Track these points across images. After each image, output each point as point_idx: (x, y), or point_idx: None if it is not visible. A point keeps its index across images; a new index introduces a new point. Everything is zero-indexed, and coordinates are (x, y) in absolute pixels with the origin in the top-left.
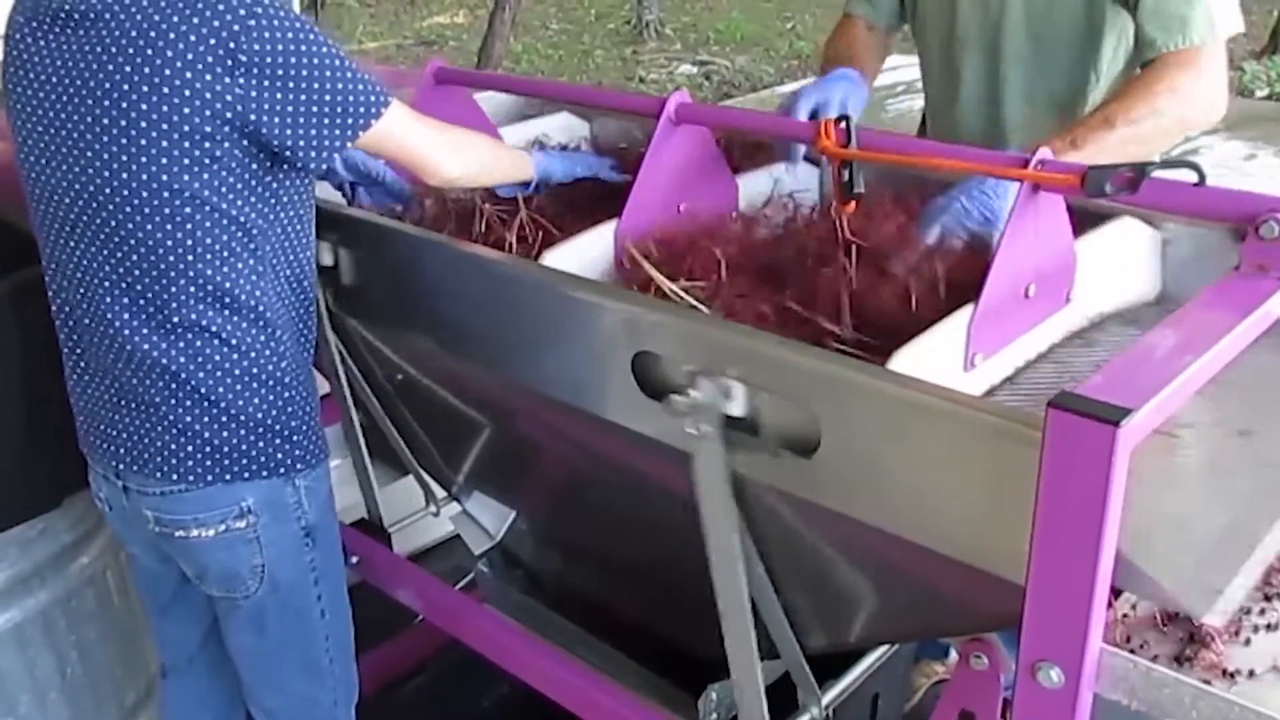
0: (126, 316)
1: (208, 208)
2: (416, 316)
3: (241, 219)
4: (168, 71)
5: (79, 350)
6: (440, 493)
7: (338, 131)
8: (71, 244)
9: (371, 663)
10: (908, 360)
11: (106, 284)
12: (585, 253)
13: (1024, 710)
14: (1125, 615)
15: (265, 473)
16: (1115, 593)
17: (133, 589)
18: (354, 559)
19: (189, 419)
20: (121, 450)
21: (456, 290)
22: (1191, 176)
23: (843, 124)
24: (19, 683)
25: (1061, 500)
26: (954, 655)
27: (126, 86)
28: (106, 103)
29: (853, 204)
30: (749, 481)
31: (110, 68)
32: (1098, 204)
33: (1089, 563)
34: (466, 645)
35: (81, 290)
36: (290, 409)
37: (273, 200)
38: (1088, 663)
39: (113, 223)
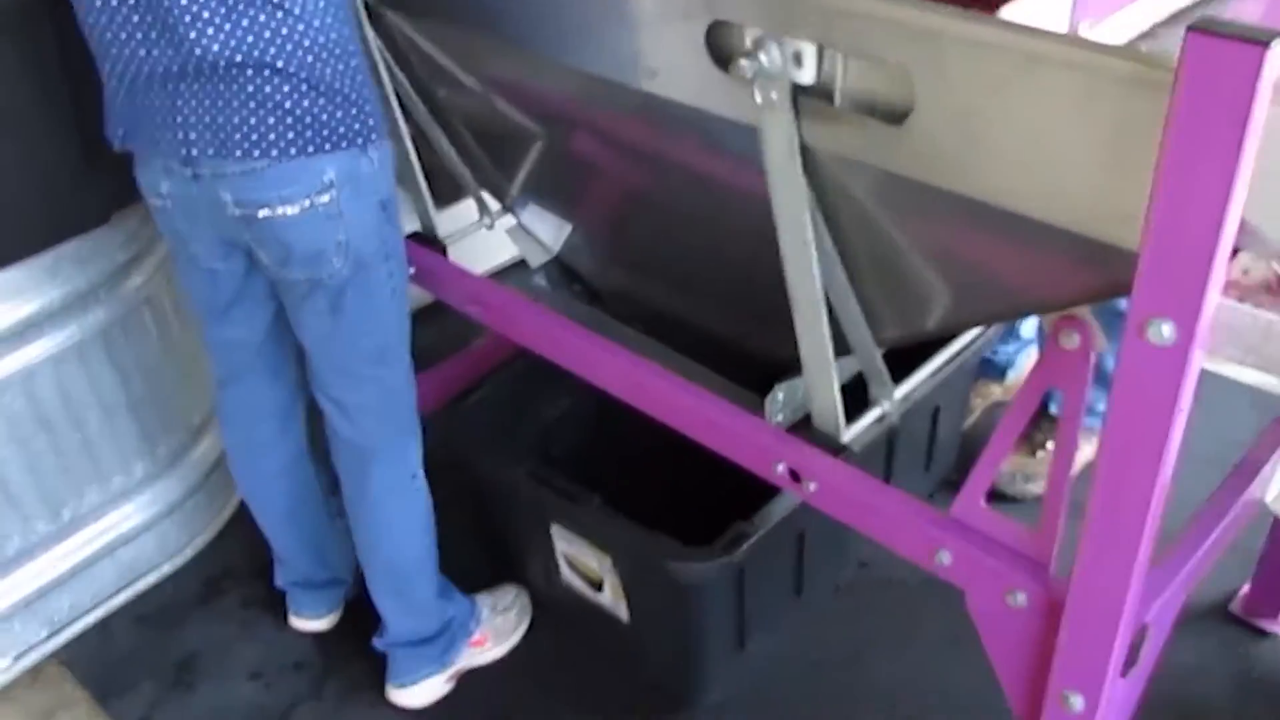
0: (185, 2)
1: None
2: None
3: None
4: None
5: (115, 49)
6: (494, 205)
7: None
8: None
9: (430, 380)
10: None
11: None
12: None
13: (1128, 374)
14: (1236, 280)
15: (345, 143)
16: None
17: (185, 303)
18: (411, 269)
19: (268, 89)
20: (193, 135)
21: None
22: None
23: None
24: (85, 400)
25: (1195, 134)
26: (1011, 377)
27: None
28: None
29: None
30: (823, 157)
31: None
32: None
33: (1219, 202)
34: (526, 360)
35: None
36: (359, 76)
37: None
38: (1204, 315)
39: None
